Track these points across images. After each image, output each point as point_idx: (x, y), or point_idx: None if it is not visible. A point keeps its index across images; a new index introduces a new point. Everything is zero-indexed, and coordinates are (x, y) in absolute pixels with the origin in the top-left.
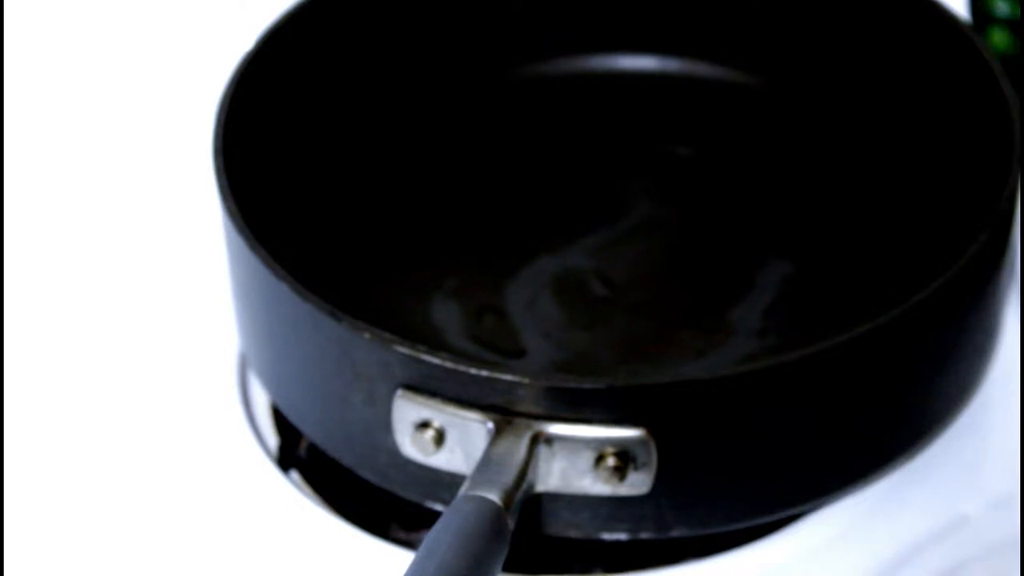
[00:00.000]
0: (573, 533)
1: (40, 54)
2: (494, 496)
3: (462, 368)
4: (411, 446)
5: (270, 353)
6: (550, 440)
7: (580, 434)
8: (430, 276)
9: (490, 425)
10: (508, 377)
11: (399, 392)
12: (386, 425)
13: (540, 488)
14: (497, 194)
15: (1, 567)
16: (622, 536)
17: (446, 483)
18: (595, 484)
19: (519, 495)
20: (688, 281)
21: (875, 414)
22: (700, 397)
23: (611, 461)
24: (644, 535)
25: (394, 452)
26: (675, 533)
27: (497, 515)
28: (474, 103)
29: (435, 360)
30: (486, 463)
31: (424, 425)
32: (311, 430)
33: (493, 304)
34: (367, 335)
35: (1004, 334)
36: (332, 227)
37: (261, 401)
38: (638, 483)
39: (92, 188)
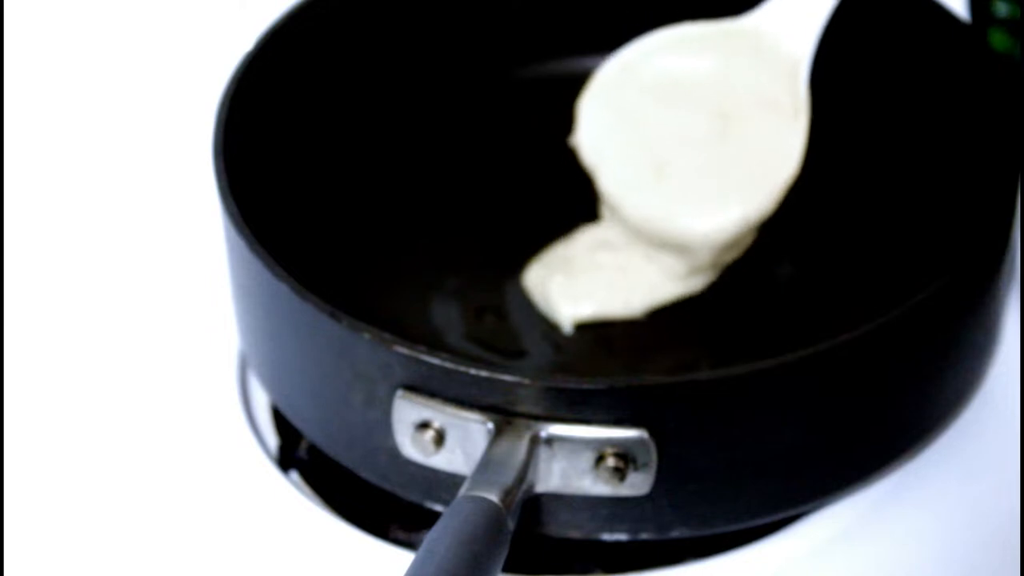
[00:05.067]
0: (573, 534)
1: (40, 54)
2: (494, 497)
3: (462, 368)
4: (411, 447)
5: (270, 353)
6: (550, 440)
7: (580, 434)
8: (430, 276)
9: (490, 425)
10: (508, 377)
11: (399, 393)
12: (386, 426)
13: (540, 488)
14: (497, 194)
15: (1, 567)
16: (622, 537)
17: (446, 484)
18: (595, 485)
19: (519, 496)
20: None
21: (875, 414)
22: (700, 397)
23: (611, 461)
24: (644, 536)
25: (394, 453)
26: (675, 534)
27: (497, 516)
28: (474, 103)
29: (435, 360)
30: (486, 463)
31: (424, 426)
32: (311, 430)
33: (493, 304)
34: (367, 335)
35: (1004, 334)
36: (332, 228)
37: (261, 401)
38: (638, 484)
39: (92, 188)
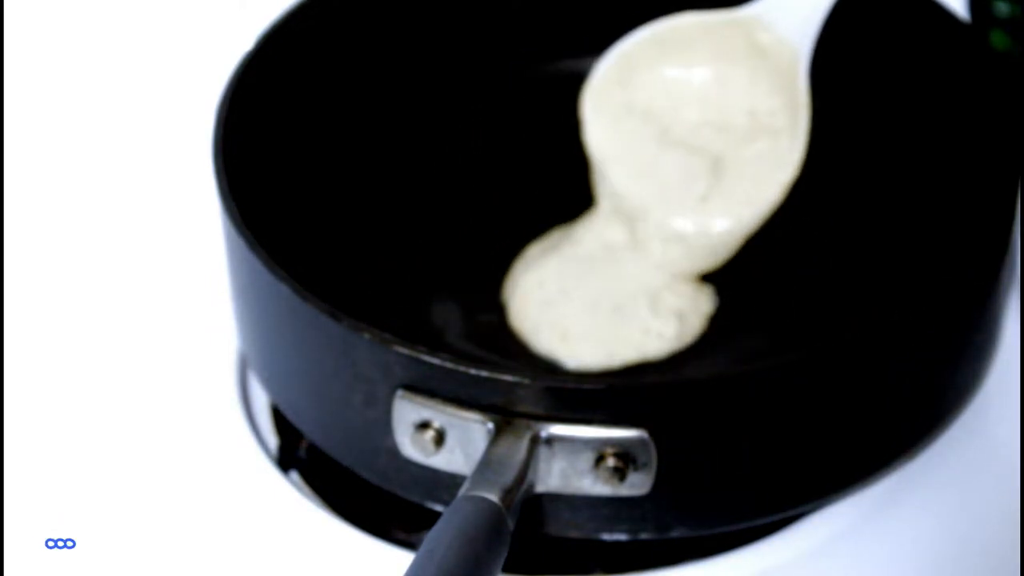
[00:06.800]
0: (573, 533)
1: (40, 54)
2: (494, 496)
3: (462, 368)
4: (411, 447)
5: (270, 353)
6: (550, 440)
7: (580, 434)
8: (430, 276)
9: (490, 425)
10: (508, 377)
11: (399, 393)
12: (386, 426)
13: (540, 488)
14: (498, 194)
15: (1, 566)
16: (622, 537)
17: (446, 483)
18: (595, 485)
19: (519, 495)
20: None
21: (875, 415)
22: (700, 397)
23: (611, 462)
24: (644, 536)
25: (394, 453)
26: (675, 533)
27: (497, 515)
28: (475, 103)
29: (435, 360)
30: (486, 463)
31: (424, 426)
32: (311, 430)
33: (492, 304)
34: (367, 335)
35: (1004, 334)
36: (332, 228)
37: (261, 401)
38: (638, 483)
39: (92, 188)
